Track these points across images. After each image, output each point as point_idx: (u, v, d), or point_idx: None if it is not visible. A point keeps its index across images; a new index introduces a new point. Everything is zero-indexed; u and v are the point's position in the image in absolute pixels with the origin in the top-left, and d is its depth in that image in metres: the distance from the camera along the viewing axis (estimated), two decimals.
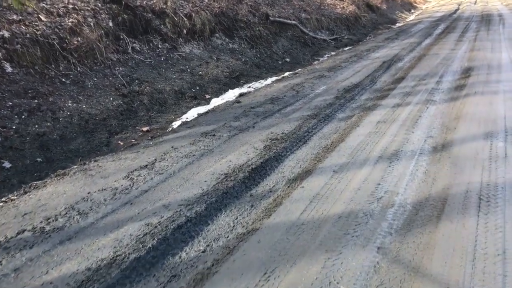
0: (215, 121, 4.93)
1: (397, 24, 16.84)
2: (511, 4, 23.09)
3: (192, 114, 5.80)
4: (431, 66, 7.28)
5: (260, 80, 8.00)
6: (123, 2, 7.03)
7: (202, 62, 7.84)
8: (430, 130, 4.22)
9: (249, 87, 7.33)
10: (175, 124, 5.34)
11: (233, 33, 9.30)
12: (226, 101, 6.16)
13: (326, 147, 3.92)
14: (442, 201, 2.87)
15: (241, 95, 6.51)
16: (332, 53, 11.09)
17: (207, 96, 6.89)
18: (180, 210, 2.87)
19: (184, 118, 5.62)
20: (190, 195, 3.07)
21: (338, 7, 15.27)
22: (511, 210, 2.72)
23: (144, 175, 3.44)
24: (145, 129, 5.27)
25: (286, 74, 8.20)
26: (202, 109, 5.99)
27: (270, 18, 10.63)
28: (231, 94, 6.87)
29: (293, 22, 11.58)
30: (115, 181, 3.36)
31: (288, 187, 3.18)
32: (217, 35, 8.83)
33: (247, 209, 2.90)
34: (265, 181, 3.31)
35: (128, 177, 3.41)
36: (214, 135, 4.38)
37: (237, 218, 2.79)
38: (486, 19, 15.42)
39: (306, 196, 3.03)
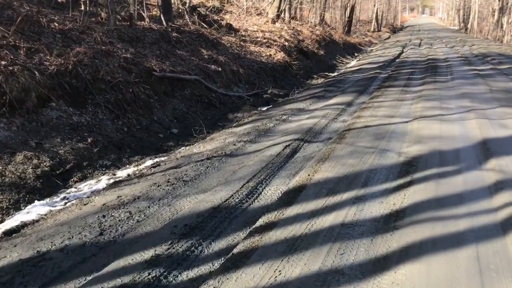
0: None
1: (335, 72, 14.72)
2: (455, 46, 21.95)
3: None
4: (354, 155, 4.66)
5: (107, 175, 5.18)
6: None
7: (3, 153, 4.89)
8: None
9: (64, 198, 4.44)
10: None
11: (85, 99, 6.47)
12: None
13: None
14: None
15: (10, 232, 3.58)
16: (245, 114, 8.53)
17: None
18: None
19: None
20: None
21: (264, 55, 12.92)
22: None
23: None
24: None
25: (147, 164, 5.40)
26: None
27: (156, 73, 7.94)
28: (24, 217, 3.96)
29: (194, 77, 8.95)
30: None
31: None
32: (53, 104, 5.96)
33: None
34: None
35: None
36: None
37: None
38: (432, 66, 13.53)
39: None
